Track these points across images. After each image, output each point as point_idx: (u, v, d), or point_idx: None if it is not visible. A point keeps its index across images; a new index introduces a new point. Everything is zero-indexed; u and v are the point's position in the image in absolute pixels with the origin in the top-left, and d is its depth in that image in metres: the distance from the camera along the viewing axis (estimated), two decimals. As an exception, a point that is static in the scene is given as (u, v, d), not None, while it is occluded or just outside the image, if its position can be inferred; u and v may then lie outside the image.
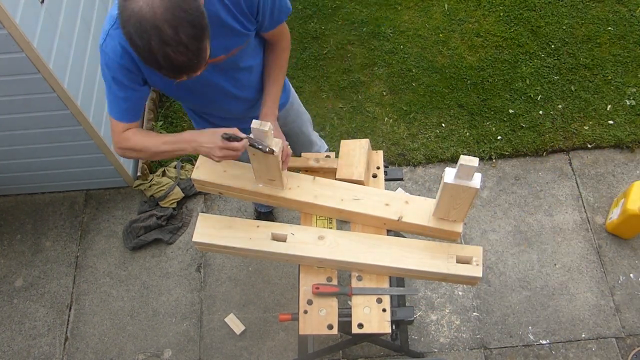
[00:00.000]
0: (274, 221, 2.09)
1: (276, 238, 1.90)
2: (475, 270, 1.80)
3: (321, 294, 1.88)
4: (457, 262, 1.81)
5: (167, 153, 1.74)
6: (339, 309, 1.89)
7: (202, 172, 1.97)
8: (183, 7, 1.26)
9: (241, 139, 1.62)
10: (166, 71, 1.34)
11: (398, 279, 2.16)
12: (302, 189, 1.95)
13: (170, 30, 1.26)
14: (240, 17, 1.61)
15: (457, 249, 1.83)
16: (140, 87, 1.67)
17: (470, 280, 1.84)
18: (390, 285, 1.93)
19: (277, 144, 1.70)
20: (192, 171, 2.14)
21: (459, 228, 1.84)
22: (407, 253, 1.85)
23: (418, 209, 1.90)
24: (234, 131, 1.63)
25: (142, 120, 1.86)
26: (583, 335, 2.69)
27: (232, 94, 1.87)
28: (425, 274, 1.84)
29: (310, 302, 1.88)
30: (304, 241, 1.89)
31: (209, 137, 1.64)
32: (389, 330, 1.83)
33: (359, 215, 1.94)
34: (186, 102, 2.01)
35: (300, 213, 2.06)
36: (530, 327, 2.72)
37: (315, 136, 2.51)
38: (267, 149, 1.66)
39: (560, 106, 3.28)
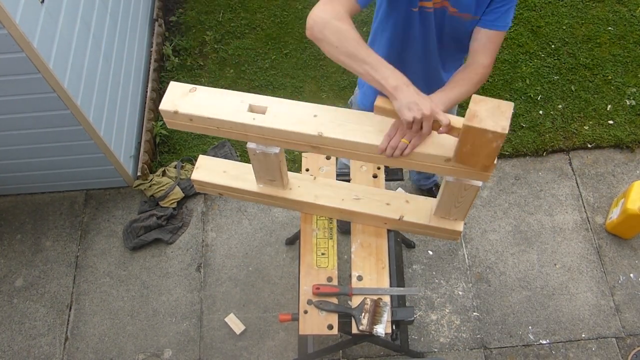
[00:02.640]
0: None
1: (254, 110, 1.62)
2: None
3: (322, 294, 1.88)
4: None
5: (356, 68, 1.44)
6: (339, 301, 1.89)
7: (202, 173, 1.97)
8: None
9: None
10: None
11: (398, 280, 2.15)
12: (302, 189, 1.95)
13: None
14: None
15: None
16: None
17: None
18: (391, 285, 1.93)
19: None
20: (192, 171, 2.14)
21: (459, 227, 1.84)
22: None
23: (419, 208, 1.90)
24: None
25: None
26: (583, 335, 2.69)
27: (426, 55, 1.87)
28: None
29: (310, 302, 1.89)
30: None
31: (427, 103, 1.41)
32: (389, 331, 1.83)
33: (360, 214, 1.94)
34: (380, 43, 1.88)
35: (301, 212, 2.07)
36: (530, 327, 2.72)
37: None
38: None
39: (560, 106, 3.28)
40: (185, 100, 1.62)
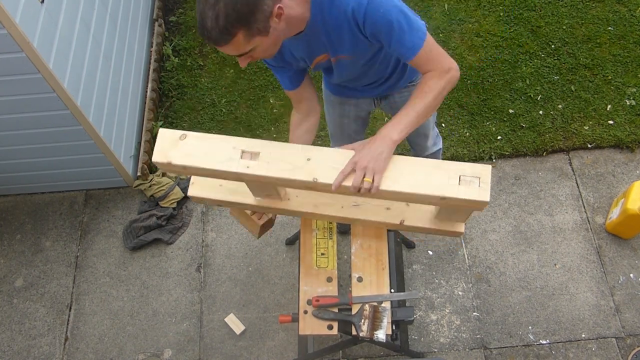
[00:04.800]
0: None
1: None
2: (481, 193, 1.50)
3: (322, 306, 1.87)
4: (459, 184, 1.53)
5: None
6: (339, 310, 1.89)
7: (197, 188, 1.94)
8: None
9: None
10: (199, 29, 1.42)
11: (398, 281, 2.15)
12: (301, 198, 1.93)
13: None
14: (358, 33, 1.59)
15: (460, 169, 1.55)
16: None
17: (476, 205, 1.56)
18: (391, 287, 1.93)
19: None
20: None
21: (461, 228, 1.84)
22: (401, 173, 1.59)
23: (419, 211, 1.89)
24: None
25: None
26: (583, 335, 2.69)
27: (359, 78, 1.93)
28: (420, 197, 1.57)
29: (309, 302, 1.89)
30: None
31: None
32: (389, 332, 1.83)
33: (360, 220, 1.93)
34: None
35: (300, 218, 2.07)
36: (530, 327, 2.72)
37: (432, 131, 2.40)
38: None
39: (560, 106, 3.28)
40: (177, 149, 1.64)
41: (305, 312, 1.89)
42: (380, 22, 1.51)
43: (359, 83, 1.99)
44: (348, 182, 1.53)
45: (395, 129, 1.56)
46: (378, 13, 1.50)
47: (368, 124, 2.51)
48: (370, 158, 1.52)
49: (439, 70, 1.59)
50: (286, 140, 3.37)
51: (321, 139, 3.28)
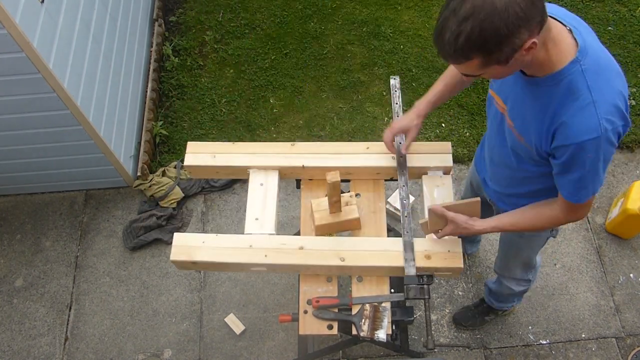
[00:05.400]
0: None
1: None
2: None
3: (322, 307, 1.87)
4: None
5: None
6: (339, 309, 1.89)
7: (179, 250, 1.95)
8: (491, 13, 1.19)
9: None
10: (434, 33, 1.30)
11: (398, 281, 2.15)
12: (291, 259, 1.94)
13: (466, 9, 1.20)
14: (547, 135, 1.47)
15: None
16: None
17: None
18: (391, 287, 1.93)
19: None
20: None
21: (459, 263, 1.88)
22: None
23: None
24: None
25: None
26: (583, 335, 2.69)
27: (496, 149, 1.78)
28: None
29: (309, 302, 1.89)
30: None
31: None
32: (389, 332, 1.83)
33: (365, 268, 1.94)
34: None
35: (300, 214, 2.07)
36: (530, 327, 2.72)
37: (531, 262, 2.23)
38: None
39: (560, 106, 3.28)
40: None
41: (305, 312, 1.88)
42: (573, 155, 1.42)
43: (493, 165, 1.86)
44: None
45: (488, 224, 1.75)
46: (583, 151, 1.40)
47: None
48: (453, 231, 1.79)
49: (562, 218, 1.63)
50: (286, 140, 3.37)
51: (321, 138, 3.28)
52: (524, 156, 1.62)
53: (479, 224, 1.75)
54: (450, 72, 1.85)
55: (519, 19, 1.20)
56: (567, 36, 1.37)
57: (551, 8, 1.40)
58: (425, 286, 1.83)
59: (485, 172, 1.98)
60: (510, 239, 2.09)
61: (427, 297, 1.82)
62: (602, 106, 1.36)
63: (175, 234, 1.95)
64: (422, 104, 1.91)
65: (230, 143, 2.12)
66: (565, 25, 1.38)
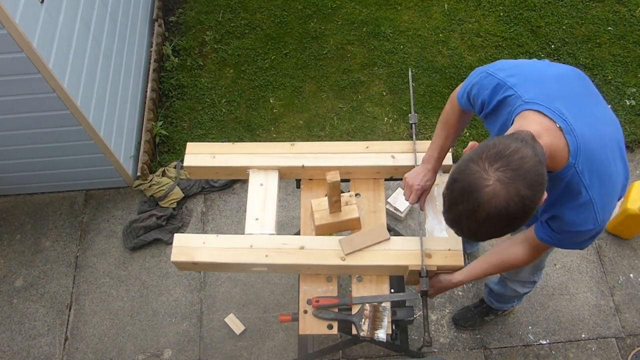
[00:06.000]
0: None
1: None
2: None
3: (322, 307, 1.87)
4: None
5: None
6: (339, 309, 1.89)
7: (179, 250, 1.96)
8: (513, 215, 1.18)
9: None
10: (450, 218, 1.28)
11: (398, 280, 2.15)
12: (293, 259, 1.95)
13: (481, 215, 1.19)
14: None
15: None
16: None
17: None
18: (391, 286, 1.93)
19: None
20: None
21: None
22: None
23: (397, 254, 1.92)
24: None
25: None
26: (583, 335, 2.69)
27: None
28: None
29: (309, 302, 1.89)
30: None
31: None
32: (389, 332, 1.83)
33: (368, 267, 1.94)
34: None
35: (300, 214, 2.07)
36: (530, 327, 2.72)
37: (543, 262, 2.24)
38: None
39: (560, 106, 3.28)
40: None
41: (305, 312, 1.89)
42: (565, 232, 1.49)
43: None
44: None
45: (463, 276, 1.86)
46: (577, 235, 1.48)
47: None
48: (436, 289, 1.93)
49: (524, 258, 1.71)
50: (286, 140, 3.37)
51: (321, 138, 3.28)
52: None
53: (456, 277, 1.86)
54: (448, 123, 1.92)
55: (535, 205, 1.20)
56: (559, 141, 1.35)
57: (534, 93, 1.40)
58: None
59: None
60: None
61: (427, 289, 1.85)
62: (599, 202, 1.42)
63: (175, 235, 1.95)
64: (433, 161, 1.95)
65: (230, 143, 2.12)
66: (555, 122, 1.35)
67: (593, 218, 1.42)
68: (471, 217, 1.20)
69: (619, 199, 1.51)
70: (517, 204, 1.16)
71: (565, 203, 1.43)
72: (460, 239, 1.88)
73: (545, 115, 1.35)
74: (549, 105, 1.37)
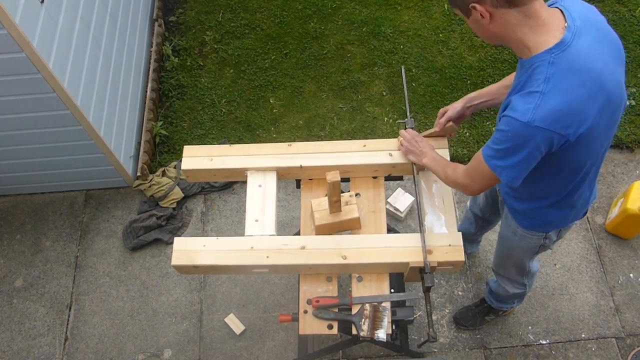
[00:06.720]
0: None
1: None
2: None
3: (322, 307, 1.87)
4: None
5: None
6: (339, 309, 1.89)
7: (179, 253, 1.95)
8: None
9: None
10: None
11: (398, 280, 2.15)
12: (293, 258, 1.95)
13: None
14: None
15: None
16: None
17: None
18: (391, 286, 1.93)
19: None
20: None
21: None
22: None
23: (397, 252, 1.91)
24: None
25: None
26: (583, 335, 2.69)
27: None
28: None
29: (309, 302, 1.89)
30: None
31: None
32: (389, 332, 1.83)
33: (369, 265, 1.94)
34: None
35: (300, 214, 2.07)
36: (530, 327, 2.72)
37: (525, 268, 2.20)
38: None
39: (560, 106, 3.28)
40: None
41: (305, 312, 1.89)
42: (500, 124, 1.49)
43: None
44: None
45: (431, 155, 1.91)
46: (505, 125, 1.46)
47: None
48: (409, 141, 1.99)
49: (463, 183, 1.74)
50: (286, 140, 3.37)
51: (320, 138, 3.28)
52: None
53: (425, 160, 1.91)
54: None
55: None
56: (556, 28, 1.38)
57: (573, 3, 1.44)
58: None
59: None
60: (505, 235, 2.09)
61: (432, 285, 1.85)
62: (548, 102, 1.36)
63: (175, 238, 1.95)
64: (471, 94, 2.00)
65: (227, 145, 2.12)
66: (565, 20, 1.39)
67: (529, 110, 1.36)
68: None
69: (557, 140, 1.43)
70: None
71: (521, 90, 1.42)
72: (460, 234, 1.88)
73: (562, 12, 1.41)
74: (571, 14, 1.41)
